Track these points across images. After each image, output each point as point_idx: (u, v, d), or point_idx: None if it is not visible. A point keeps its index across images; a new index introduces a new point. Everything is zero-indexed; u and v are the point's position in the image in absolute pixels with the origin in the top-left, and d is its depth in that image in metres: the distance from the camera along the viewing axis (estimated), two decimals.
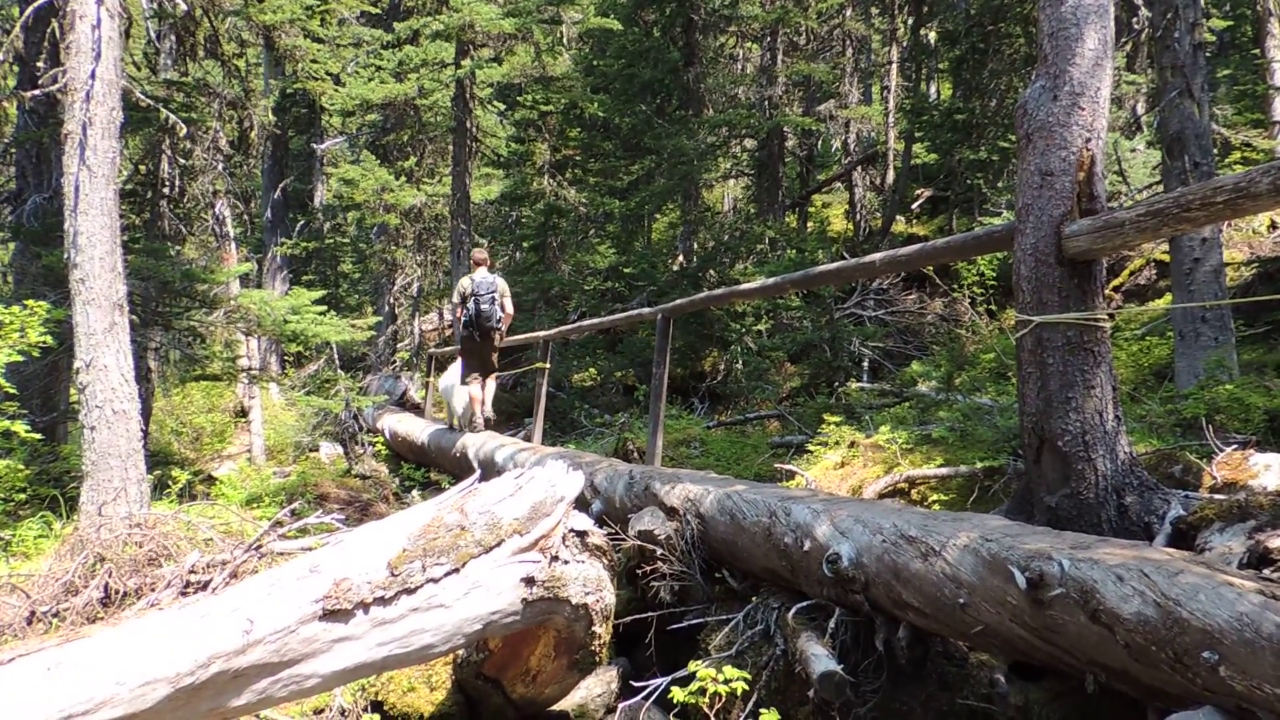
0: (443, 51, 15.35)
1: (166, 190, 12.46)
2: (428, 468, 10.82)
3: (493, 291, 8.71)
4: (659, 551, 4.26)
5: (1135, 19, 10.05)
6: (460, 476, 6.45)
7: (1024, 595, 2.46)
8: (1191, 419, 4.99)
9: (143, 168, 12.68)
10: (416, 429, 11.33)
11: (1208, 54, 8.90)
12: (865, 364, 12.66)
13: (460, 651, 3.71)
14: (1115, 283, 12.08)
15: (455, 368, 9.68)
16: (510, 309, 8.94)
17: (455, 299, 8.96)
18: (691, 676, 3.35)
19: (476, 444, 8.60)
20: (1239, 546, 2.85)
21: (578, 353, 16.03)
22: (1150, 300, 11.37)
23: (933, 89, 20.96)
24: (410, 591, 2.96)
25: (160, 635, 2.60)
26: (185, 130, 9.90)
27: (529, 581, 3.26)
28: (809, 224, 19.17)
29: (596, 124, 17.73)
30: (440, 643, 3.09)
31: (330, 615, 2.81)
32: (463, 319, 8.78)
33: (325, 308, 10.11)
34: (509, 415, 15.51)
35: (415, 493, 10.11)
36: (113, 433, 5.58)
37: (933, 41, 17.75)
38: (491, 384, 9.30)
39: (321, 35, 14.67)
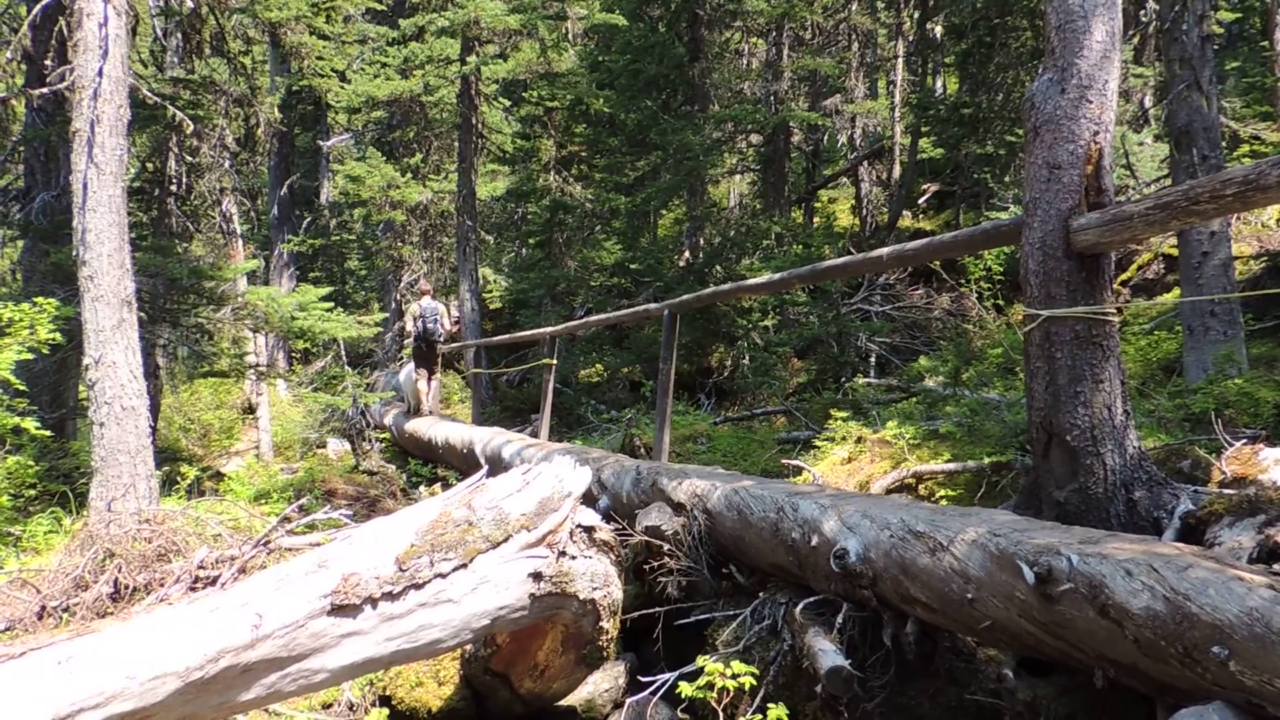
0: (448, 48, 15.35)
1: (174, 187, 12.49)
2: (435, 463, 10.84)
3: (436, 315, 11.71)
4: (666, 547, 4.26)
5: (1143, 11, 10.00)
6: (467, 473, 6.45)
7: (1032, 590, 2.45)
8: (1200, 413, 4.97)
9: (150, 165, 12.72)
10: (420, 425, 11.36)
11: (1216, 46, 8.84)
12: (872, 359, 12.65)
13: (468, 646, 3.72)
14: (1123, 277, 12.04)
15: (409, 368, 12.63)
16: (449, 325, 12.12)
17: (408, 319, 12.08)
18: (699, 671, 3.35)
19: (483, 439, 8.62)
20: (1249, 541, 2.84)
21: (584, 349, 16.05)
22: (1159, 294, 11.33)
23: (939, 83, 20.87)
24: (418, 587, 2.97)
25: (170, 630, 2.61)
26: (192, 128, 9.92)
27: (536, 577, 3.26)
28: (815, 219, 19.13)
29: (602, 120, 17.70)
30: (448, 638, 3.10)
31: (338, 610, 2.82)
32: (414, 334, 11.74)
33: (332, 304, 10.15)
34: (515, 412, 15.55)
35: (423, 489, 10.13)
36: (121, 429, 5.60)
37: (939, 35, 17.66)
38: (434, 382, 12.38)
39: (327, 32, 14.66)
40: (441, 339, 11.86)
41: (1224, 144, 8.84)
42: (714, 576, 4.30)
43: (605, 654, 3.75)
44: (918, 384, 9.75)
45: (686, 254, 17.27)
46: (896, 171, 17.43)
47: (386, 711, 3.90)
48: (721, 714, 3.30)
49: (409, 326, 11.84)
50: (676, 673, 3.54)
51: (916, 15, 17.16)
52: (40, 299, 6.67)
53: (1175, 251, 8.91)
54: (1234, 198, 2.68)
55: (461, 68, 14.72)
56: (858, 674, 3.03)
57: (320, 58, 13.83)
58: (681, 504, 4.50)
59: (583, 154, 18.59)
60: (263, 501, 7.36)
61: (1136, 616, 2.18)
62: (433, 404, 12.35)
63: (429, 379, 12.08)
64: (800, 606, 3.47)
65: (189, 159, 12.61)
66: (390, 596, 2.92)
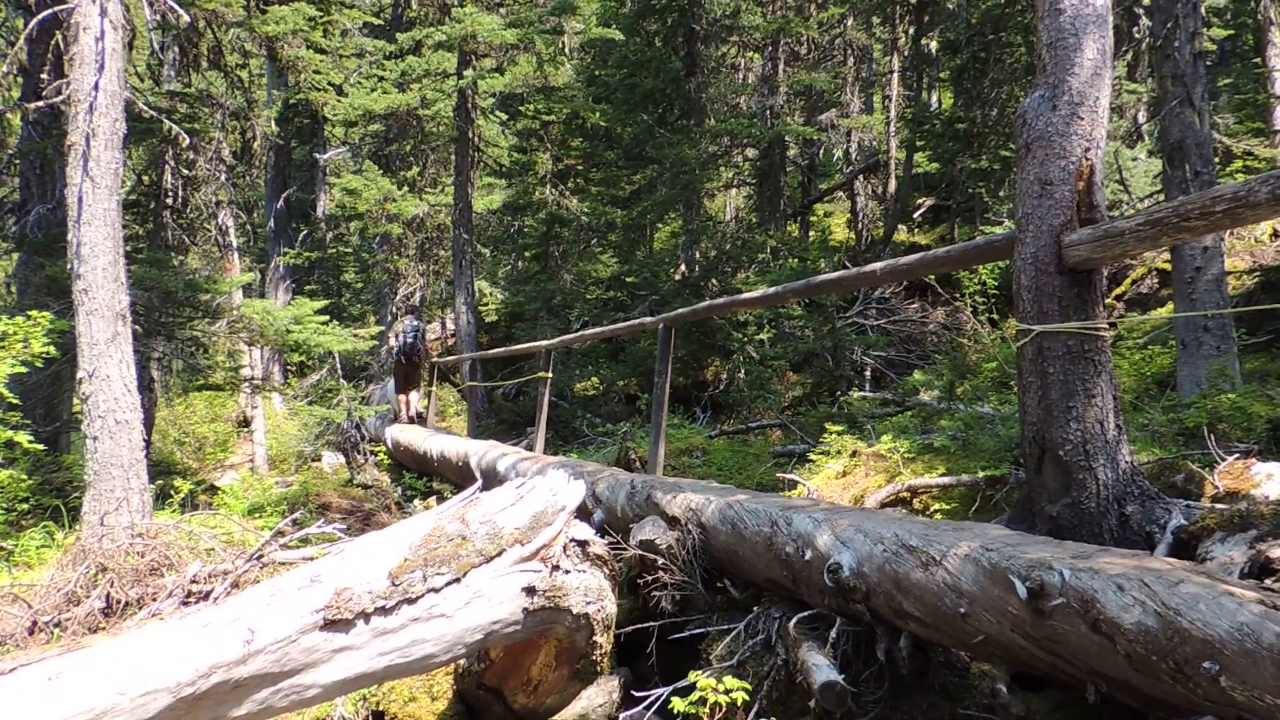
0: (445, 62, 15.40)
1: (169, 200, 12.51)
2: (430, 477, 10.82)
3: (417, 334, 13.16)
4: (660, 561, 4.25)
5: (1135, 28, 10.08)
6: (462, 486, 6.45)
7: (1025, 605, 2.45)
8: (1193, 428, 4.99)
9: (146, 178, 12.74)
10: (415, 438, 11.33)
11: (1208, 63, 8.91)
12: (867, 373, 12.66)
13: (461, 661, 3.71)
14: (1117, 291, 12.08)
15: (394, 380, 14.12)
16: (426, 342, 14.13)
17: (392, 336, 13.68)
18: (692, 686, 3.34)
19: (478, 452, 8.61)
20: (1240, 556, 2.84)
21: (580, 362, 16.04)
22: (1152, 309, 11.37)
23: (934, 98, 21.02)
24: (411, 601, 2.96)
25: (161, 645, 2.60)
26: (188, 141, 9.94)
27: (530, 591, 3.26)
28: (811, 233, 19.20)
29: (598, 133, 17.78)
30: (441, 652, 3.09)
31: (331, 625, 2.81)
32: (396, 349, 13.27)
33: (328, 317, 10.16)
34: (511, 425, 15.53)
35: (417, 502, 10.10)
36: (115, 443, 5.59)
37: (934, 51, 17.80)
38: (416, 394, 13.61)
39: (324, 46, 14.74)
40: (421, 354, 13.47)
41: (1217, 160, 8.88)
42: (708, 591, 4.29)
43: (599, 669, 3.74)
44: (913, 398, 9.76)
45: (682, 267, 17.30)
46: (892, 186, 17.50)
47: None
48: None
49: (392, 343, 13.56)
50: (670, 688, 3.53)
51: (911, 31, 17.27)
52: (34, 312, 6.67)
53: (1169, 266, 8.94)
54: (1224, 214, 2.70)
55: (458, 81, 14.78)
56: (851, 689, 3.02)
57: (317, 71, 13.91)
58: (676, 518, 4.49)
59: (579, 167, 18.66)
60: (257, 515, 7.34)
61: (1128, 631, 2.19)
62: (428, 416, 13.52)
63: (412, 390, 13.55)
64: (794, 621, 3.46)
65: (185, 172, 12.63)
66: (383, 611, 2.91)
